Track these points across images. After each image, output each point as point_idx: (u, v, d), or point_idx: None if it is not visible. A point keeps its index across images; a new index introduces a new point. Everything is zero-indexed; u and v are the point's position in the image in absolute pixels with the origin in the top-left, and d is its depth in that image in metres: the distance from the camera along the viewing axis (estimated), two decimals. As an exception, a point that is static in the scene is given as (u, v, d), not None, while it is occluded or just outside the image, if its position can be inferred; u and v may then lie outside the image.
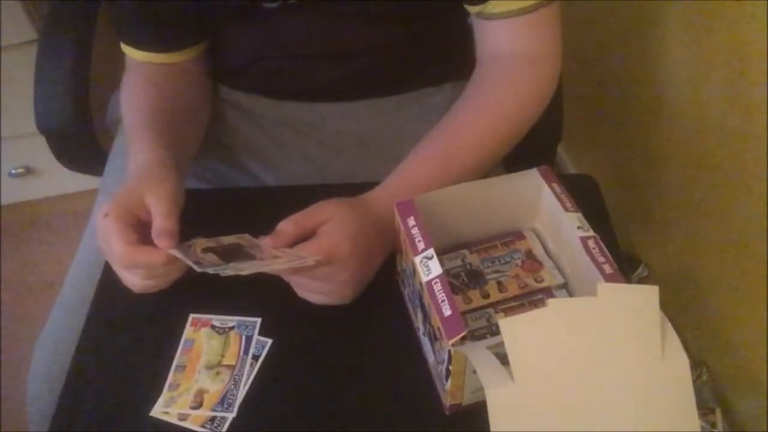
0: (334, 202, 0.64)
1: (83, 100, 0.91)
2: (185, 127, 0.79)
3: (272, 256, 0.60)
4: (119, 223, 0.61)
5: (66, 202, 1.72)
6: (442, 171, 0.68)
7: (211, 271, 0.59)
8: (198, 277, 0.65)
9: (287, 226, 0.61)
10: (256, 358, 0.64)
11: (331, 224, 0.62)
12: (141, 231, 0.62)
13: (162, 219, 0.61)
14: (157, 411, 0.62)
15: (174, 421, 0.61)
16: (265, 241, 0.61)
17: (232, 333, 0.66)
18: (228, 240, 0.62)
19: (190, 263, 0.59)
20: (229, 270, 0.59)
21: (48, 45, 0.94)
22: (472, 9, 0.73)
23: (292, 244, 0.62)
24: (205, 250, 0.61)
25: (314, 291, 0.65)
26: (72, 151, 0.96)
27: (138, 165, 0.68)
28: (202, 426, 0.60)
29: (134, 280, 0.64)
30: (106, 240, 0.62)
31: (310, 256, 0.60)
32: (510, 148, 0.74)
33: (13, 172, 1.63)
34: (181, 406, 0.61)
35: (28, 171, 1.64)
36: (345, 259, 0.61)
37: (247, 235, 0.62)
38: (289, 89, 0.87)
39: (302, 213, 0.63)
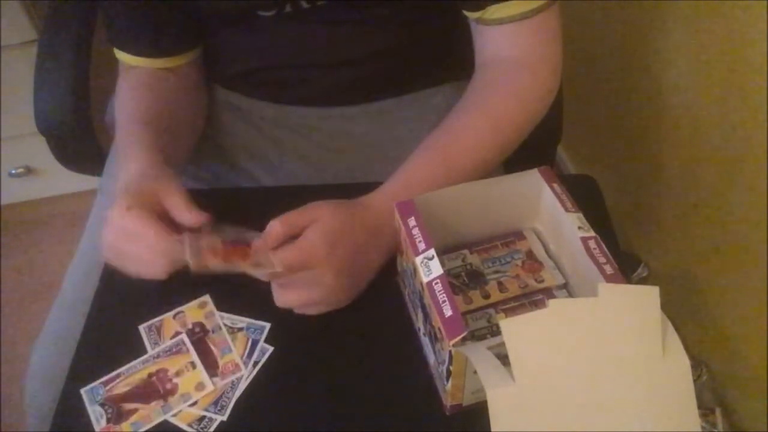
0: (326, 203, 0.64)
1: (83, 101, 0.91)
2: (180, 131, 0.79)
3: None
4: (149, 213, 0.61)
5: (66, 202, 1.72)
6: (443, 173, 0.68)
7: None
8: (198, 279, 0.66)
9: (275, 226, 0.61)
10: (255, 364, 0.64)
11: (311, 228, 0.61)
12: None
13: (184, 206, 0.62)
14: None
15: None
16: (256, 244, 0.61)
17: (240, 334, 0.66)
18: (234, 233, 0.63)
19: (187, 256, 0.60)
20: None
21: (48, 45, 0.93)
22: (471, 15, 0.72)
23: (283, 243, 0.61)
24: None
25: (308, 303, 0.64)
26: (72, 151, 0.96)
27: (139, 168, 0.68)
28: (189, 425, 0.60)
29: (159, 271, 0.63)
30: (134, 231, 0.61)
31: (277, 263, 0.59)
32: (511, 151, 0.73)
33: (13, 172, 1.63)
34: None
35: (28, 171, 1.64)
36: (322, 263, 0.61)
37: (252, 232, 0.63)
38: (287, 96, 0.87)
39: (293, 211, 0.62)
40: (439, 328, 0.54)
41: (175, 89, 0.80)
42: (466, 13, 0.73)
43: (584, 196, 0.65)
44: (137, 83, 0.80)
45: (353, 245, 0.63)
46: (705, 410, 1.05)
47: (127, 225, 0.62)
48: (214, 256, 0.60)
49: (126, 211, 0.61)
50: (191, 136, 0.83)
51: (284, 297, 0.64)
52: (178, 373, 0.63)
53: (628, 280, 0.58)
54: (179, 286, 0.67)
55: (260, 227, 0.63)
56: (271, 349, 0.65)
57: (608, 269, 0.57)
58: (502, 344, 0.49)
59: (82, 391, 0.63)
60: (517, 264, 0.67)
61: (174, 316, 0.67)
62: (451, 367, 0.54)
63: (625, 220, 1.30)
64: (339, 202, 0.65)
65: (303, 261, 0.60)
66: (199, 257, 0.60)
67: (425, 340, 0.62)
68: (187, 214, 0.62)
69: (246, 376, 0.63)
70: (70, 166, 1.00)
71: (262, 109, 0.89)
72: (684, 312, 1.12)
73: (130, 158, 0.70)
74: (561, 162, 1.59)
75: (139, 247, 0.62)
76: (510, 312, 0.63)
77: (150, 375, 0.63)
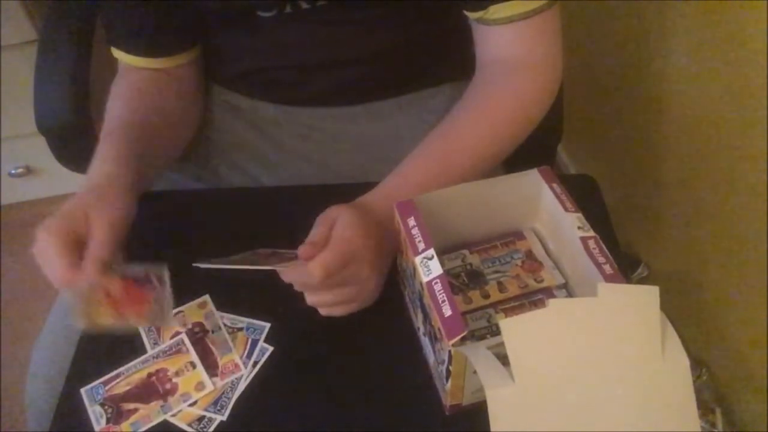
0: (334, 206, 0.64)
1: (83, 101, 0.91)
2: (163, 137, 0.78)
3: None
4: (58, 241, 0.59)
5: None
6: (441, 173, 0.68)
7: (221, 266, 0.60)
8: (201, 280, 0.66)
9: (306, 250, 0.59)
10: (254, 364, 0.64)
11: (338, 227, 0.61)
12: (80, 248, 0.60)
13: (97, 246, 0.60)
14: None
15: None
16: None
17: (239, 334, 0.66)
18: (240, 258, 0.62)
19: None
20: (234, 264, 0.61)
21: (48, 45, 0.93)
22: (472, 15, 0.72)
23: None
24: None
25: (342, 301, 0.63)
26: (72, 151, 0.96)
27: (94, 178, 0.66)
28: (189, 425, 0.61)
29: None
30: (43, 255, 0.60)
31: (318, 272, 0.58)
32: (511, 151, 0.73)
33: (13, 172, 1.63)
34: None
35: (28, 171, 1.64)
36: (362, 252, 0.60)
37: (260, 250, 0.62)
38: (287, 96, 0.87)
39: (312, 233, 0.61)
40: (438, 328, 0.54)
41: (167, 94, 0.80)
42: (467, 13, 0.73)
43: (584, 196, 0.65)
44: (128, 86, 0.79)
45: (376, 238, 0.63)
46: (705, 410, 1.05)
47: (38, 247, 0.60)
48: (109, 306, 0.60)
49: (43, 232, 0.59)
50: (177, 142, 0.82)
51: (317, 297, 0.62)
52: (177, 373, 0.63)
53: (628, 280, 0.58)
54: (179, 286, 0.67)
55: (260, 227, 0.63)
56: (270, 349, 0.65)
57: (608, 269, 0.57)
58: (502, 344, 0.49)
59: (82, 391, 0.63)
60: (517, 264, 0.67)
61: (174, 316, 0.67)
62: (450, 367, 0.54)
63: (625, 220, 1.30)
64: (347, 204, 0.65)
65: (344, 257, 0.59)
66: (89, 317, 0.60)
67: (425, 340, 0.62)
68: (93, 249, 0.59)
69: (246, 376, 0.63)
70: (70, 166, 1.00)
71: (262, 109, 0.89)
72: (684, 312, 1.12)
73: (92, 166, 0.68)
74: (561, 162, 1.59)
75: (46, 270, 0.60)
76: (510, 312, 0.63)
77: (150, 375, 0.63)
